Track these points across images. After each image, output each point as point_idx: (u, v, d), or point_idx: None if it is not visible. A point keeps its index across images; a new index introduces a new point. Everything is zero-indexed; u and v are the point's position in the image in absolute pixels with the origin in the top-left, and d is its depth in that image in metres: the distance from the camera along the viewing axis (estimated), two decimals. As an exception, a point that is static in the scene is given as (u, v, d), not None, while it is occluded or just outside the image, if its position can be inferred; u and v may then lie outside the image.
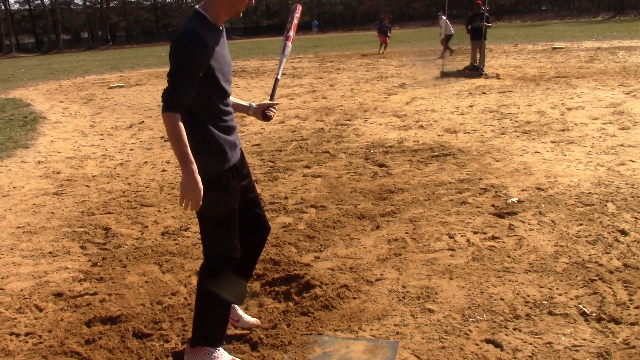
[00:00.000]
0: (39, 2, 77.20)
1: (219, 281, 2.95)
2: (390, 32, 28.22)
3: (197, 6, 2.78)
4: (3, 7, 72.55)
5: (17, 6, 77.85)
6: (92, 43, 74.65)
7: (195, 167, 2.63)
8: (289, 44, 3.34)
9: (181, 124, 2.61)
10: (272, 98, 3.22)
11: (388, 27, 28.07)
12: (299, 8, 3.39)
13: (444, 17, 20.67)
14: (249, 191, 3.15)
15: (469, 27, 16.31)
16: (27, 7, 77.78)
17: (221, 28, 2.83)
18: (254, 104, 3.18)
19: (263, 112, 3.15)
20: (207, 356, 2.95)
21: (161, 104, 2.62)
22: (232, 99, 3.06)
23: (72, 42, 78.16)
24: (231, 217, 2.94)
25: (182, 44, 2.60)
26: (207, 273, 2.98)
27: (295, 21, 3.36)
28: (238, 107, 3.15)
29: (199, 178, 2.63)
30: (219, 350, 2.99)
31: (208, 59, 2.64)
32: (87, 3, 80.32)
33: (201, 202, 2.71)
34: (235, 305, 3.40)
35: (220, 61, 2.75)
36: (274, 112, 3.18)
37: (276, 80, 3.26)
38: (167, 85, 2.65)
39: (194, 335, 3.01)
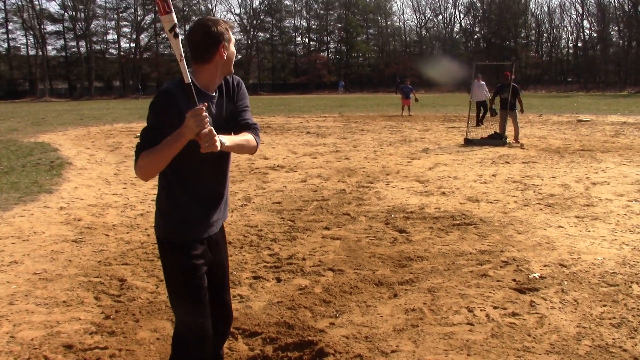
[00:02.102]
0: (75, 50, 79.60)
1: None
2: (414, 93, 28.33)
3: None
4: (40, 52, 74.90)
5: (54, 52, 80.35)
6: (123, 91, 76.49)
7: (179, 130, 2.47)
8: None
9: (149, 152, 2.55)
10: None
11: (410, 88, 28.26)
12: None
13: (479, 81, 20.27)
14: (222, 271, 3.09)
15: (497, 97, 16.44)
16: (63, 54, 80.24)
17: (214, 94, 2.74)
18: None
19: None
20: None
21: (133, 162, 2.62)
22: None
23: (104, 89, 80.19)
24: (195, 288, 2.82)
25: (153, 102, 2.60)
26: (175, 352, 2.92)
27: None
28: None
29: (186, 123, 2.44)
30: None
31: (178, 119, 2.51)
32: (122, 53, 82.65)
33: None
34: None
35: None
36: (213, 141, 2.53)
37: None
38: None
39: None
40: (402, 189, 9.44)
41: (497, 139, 15.64)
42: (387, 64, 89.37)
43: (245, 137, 2.79)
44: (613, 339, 4.00)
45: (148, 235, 6.80)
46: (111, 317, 4.49)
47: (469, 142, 15.64)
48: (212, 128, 2.46)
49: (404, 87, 28.71)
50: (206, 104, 2.52)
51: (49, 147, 15.54)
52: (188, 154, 2.60)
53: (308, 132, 19.68)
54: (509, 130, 15.99)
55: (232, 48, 2.72)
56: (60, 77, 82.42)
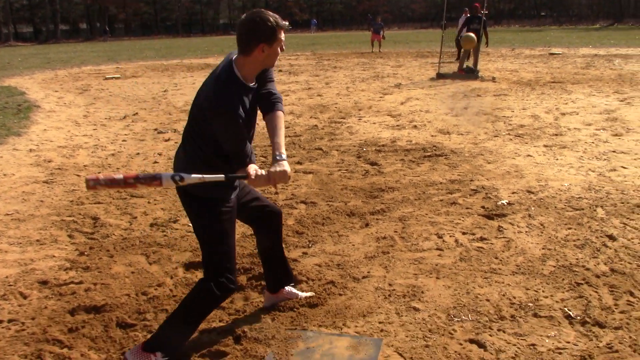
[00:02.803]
0: (38, -9, 76.73)
1: (205, 302, 3.00)
2: (384, 31, 28.17)
3: (233, 59, 2.82)
4: (2, -5, 72.10)
5: (15, -6, 77.30)
6: (90, 34, 74.26)
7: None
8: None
9: None
10: None
11: (380, 25, 28.08)
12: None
13: (467, 15, 19.49)
14: (246, 195, 3.26)
15: (465, 28, 16.29)
16: (25, -5, 77.38)
17: (253, 84, 2.88)
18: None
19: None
20: None
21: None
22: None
23: (70, 32, 77.74)
24: (228, 239, 2.99)
25: (220, 113, 2.69)
26: (199, 290, 3.00)
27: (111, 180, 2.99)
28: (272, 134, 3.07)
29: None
30: None
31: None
32: (87, -6, 79.94)
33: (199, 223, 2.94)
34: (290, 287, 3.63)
35: (248, 116, 2.82)
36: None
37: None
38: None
39: (153, 339, 2.98)
40: (374, 123, 9.46)
41: (469, 73, 15.63)
42: (359, 0, 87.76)
43: (280, 124, 2.98)
44: (577, 259, 4.14)
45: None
46: (85, 253, 4.52)
47: (441, 77, 15.62)
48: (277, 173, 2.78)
49: (374, 24, 28.43)
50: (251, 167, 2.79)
51: (16, 90, 15.17)
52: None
53: (280, 71, 19.45)
54: (481, 65, 15.96)
55: (277, 48, 2.79)
56: (24, 21, 79.62)
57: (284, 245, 4.47)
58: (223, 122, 2.69)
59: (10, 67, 24.37)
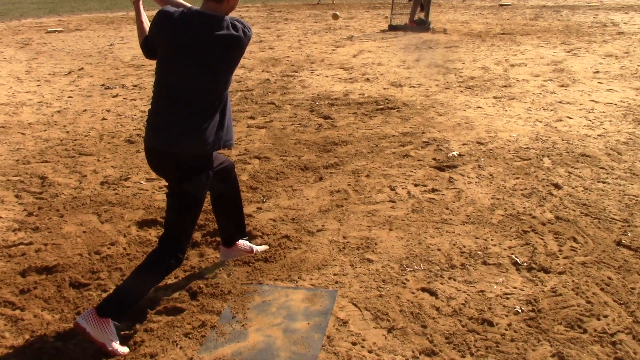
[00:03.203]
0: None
1: (161, 274, 2.97)
2: None
3: (198, 9, 2.81)
4: None
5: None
6: (29, -16, 71.01)
7: None
8: None
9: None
10: None
11: None
12: None
13: None
14: None
15: None
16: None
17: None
18: None
19: None
20: (108, 328, 2.82)
21: None
22: None
23: (7, -18, 74.20)
24: (195, 219, 3.04)
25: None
26: (157, 264, 2.93)
27: None
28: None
29: None
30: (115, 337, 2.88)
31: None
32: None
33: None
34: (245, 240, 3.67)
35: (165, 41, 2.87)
36: None
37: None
38: None
39: (106, 304, 2.84)
40: (326, 76, 9.41)
41: (420, 25, 15.61)
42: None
43: None
44: (524, 207, 4.27)
45: (67, 132, 6.59)
46: (34, 213, 4.42)
47: (393, 29, 15.56)
48: None
49: None
50: None
51: (-49, 45, 14.47)
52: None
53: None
54: (432, 16, 15.94)
55: None
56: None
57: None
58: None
59: (-55, 20, 23.15)
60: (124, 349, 2.80)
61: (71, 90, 8.87)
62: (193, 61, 2.72)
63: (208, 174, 2.93)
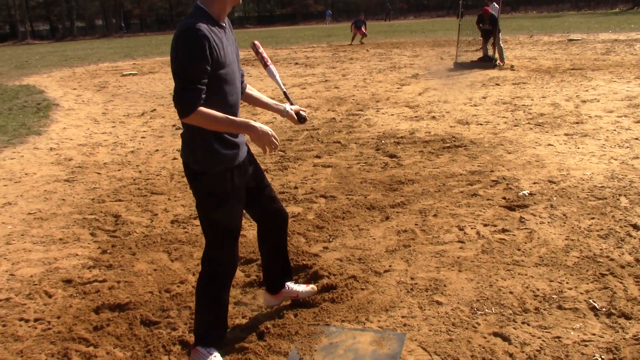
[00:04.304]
0: (53, -11, 77.24)
1: (216, 283, 2.98)
2: (365, 26, 28.72)
3: (198, 1, 2.71)
4: (18, -7, 72.68)
5: (32, -8, 77.90)
6: (106, 30, 74.77)
7: (250, 121, 2.71)
8: (272, 66, 3.25)
9: (209, 111, 2.60)
10: (292, 103, 3.19)
11: (363, 21, 28.38)
12: (258, 44, 3.31)
13: (493, 4, 18.87)
14: (260, 187, 3.17)
15: (479, 25, 16.09)
16: (42, -7, 77.92)
17: (224, 24, 2.75)
18: (288, 107, 3.13)
19: (297, 114, 3.14)
20: (200, 358, 2.93)
21: (178, 109, 2.60)
22: (262, 97, 3.15)
23: (86, 29, 78.33)
24: (228, 220, 2.92)
25: (187, 40, 2.53)
26: (203, 273, 2.99)
27: (264, 54, 3.29)
28: (269, 107, 3.16)
29: (260, 125, 2.71)
30: (212, 353, 2.96)
31: (213, 55, 2.58)
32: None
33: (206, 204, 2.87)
34: (289, 283, 3.56)
35: (226, 59, 2.68)
36: (306, 112, 3.18)
37: (284, 92, 3.23)
38: (175, 86, 2.60)
39: (194, 334, 3.03)
40: (392, 115, 9.41)
41: (487, 62, 15.48)
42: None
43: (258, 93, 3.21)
44: (600, 249, 4.09)
45: (140, 171, 6.81)
46: (108, 251, 4.56)
47: (459, 66, 15.49)
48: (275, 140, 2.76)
49: (356, 21, 28.57)
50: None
51: (35, 89, 15.32)
52: (223, 94, 2.73)
53: (296, 63, 19.43)
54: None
55: None
56: (41, 18, 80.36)
57: (304, 240, 4.50)
58: (187, 43, 2.54)
59: (29, 66, 24.61)
60: None
61: (144, 131, 9.20)
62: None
63: (212, 192, 2.86)
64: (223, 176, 2.82)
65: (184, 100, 2.56)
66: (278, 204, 3.29)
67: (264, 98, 3.16)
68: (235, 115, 2.82)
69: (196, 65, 2.53)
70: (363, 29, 28.30)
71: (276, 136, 2.74)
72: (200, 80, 2.56)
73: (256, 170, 3.14)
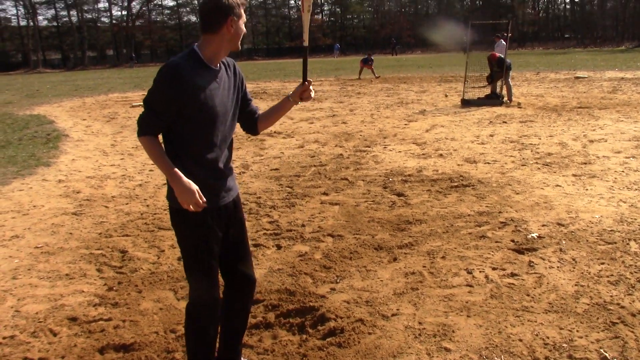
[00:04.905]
0: (66, 19, 78.45)
1: (196, 324, 2.97)
2: (373, 66, 28.80)
3: (195, 43, 2.76)
4: (32, 23, 73.82)
5: (45, 22, 79.16)
6: (117, 60, 75.70)
7: (178, 174, 2.66)
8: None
9: (156, 144, 2.68)
10: (305, 77, 3.02)
11: (371, 59, 28.55)
12: None
13: (499, 41, 18.35)
14: (235, 243, 3.06)
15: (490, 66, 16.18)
16: (55, 23, 79.08)
17: (218, 67, 2.78)
18: (289, 95, 3.05)
19: (300, 97, 3.03)
20: None
21: (137, 128, 2.71)
22: (271, 109, 3.10)
23: (97, 59, 79.31)
24: (203, 258, 2.87)
25: (159, 74, 2.63)
26: (187, 315, 3.00)
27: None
28: (279, 109, 3.09)
29: (186, 181, 2.66)
30: None
31: (185, 96, 2.61)
32: (114, 21, 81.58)
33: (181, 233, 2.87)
34: None
35: (208, 101, 2.69)
36: (311, 92, 3.02)
37: (305, 50, 3.04)
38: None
39: None
40: (399, 152, 9.43)
41: (494, 99, 15.56)
42: (382, 25, 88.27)
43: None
44: (611, 296, 4.05)
45: (147, 205, 6.82)
46: (114, 288, 4.54)
47: (466, 103, 15.57)
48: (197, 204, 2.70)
49: (364, 59, 28.76)
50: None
51: (45, 119, 15.47)
52: (205, 137, 2.74)
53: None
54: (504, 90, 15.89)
55: (242, 25, 2.75)
56: (53, 48, 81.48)
57: (311, 280, 4.48)
58: (159, 76, 2.62)
59: (39, 95, 24.89)
60: None
61: (152, 164, 9.23)
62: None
63: (189, 231, 2.86)
64: (198, 216, 2.79)
65: (139, 123, 2.70)
66: (249, 268, 3.16)
67: (273, 108, 3.12)
68: (220, 154, 2.83)
69: (158, 96, 2.64)
70: (371, 65, 28.47)
71: (203, 197, 2.69)
72: (157, 110, 2.64)
73: (239, 223, 3.07)
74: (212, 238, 2.87)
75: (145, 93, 2.71)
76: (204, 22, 2.71)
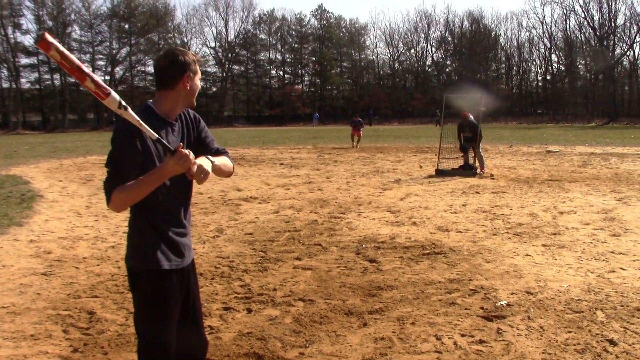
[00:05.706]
0: (49, 82, 78.92)
1: None
2: (363, 126, 29.66)
3: (149, 101, 2.80)
4: (14, 85, 74.10)
5: (28, 85, 79.47)
6: (97, 124, 75.85)
7: (156, 167, 2.61)
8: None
9: (127, 184, 2.58)
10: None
11: (360, 121, 29.25)
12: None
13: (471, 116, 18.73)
14: (190, 305, 3.03)
15: (460, 135, 16.50)
16: (37, 86, 79.40)
17: (175, 122, 2.80)
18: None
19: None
20: None
21: (105, 196, 2.63)
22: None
23: (77, 122, 79.34)
24: (161, 332, 2.84)
25: (117, 132, 2.65)
26: None
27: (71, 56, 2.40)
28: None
29: (166, 158, 2.56)
30: None
31: (145, 146, 2.63)
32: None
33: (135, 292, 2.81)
34: None
35: (160, 155, 2.68)
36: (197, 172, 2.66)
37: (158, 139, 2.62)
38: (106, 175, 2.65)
39: None
40: (373, 219, 9.53)
41: (467, 170, 15.89)
42: (360, 96, 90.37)
43: (224, 158, 2.95)
44: (577, 364, 4.09)
45: (119, 267, 6.76)
46: (79, 350, 4.46)
47: (440, 173, 15.86)
48: (197, 163, 2.58)
49: (353, 120, 29.45)
50: (181, 143, 2.61)
51: (21, 179, 15.39)
52: (159, 191, 2.70)
53: (282, 164, 19.77)
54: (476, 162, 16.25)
55: (197, 81, 2.80)
56: (34, 110, 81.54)
57: (280, 344, 4.45)
58: (114, 133, 2.64)
59: (17, 156, 24.79)
60: None
61: (126, 226, 9.15)
62: None
63: (147, 293, 2.82)
64: (161, 277, 2.78)
65: (106, 189, 2.63)
66: (201, 332, 3.16)
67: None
68: (177, 224, 2.84)
69: (121, 152, 2.63)
70: (360, 130, 28.99)
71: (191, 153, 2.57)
72: (124, 167, 2.60)
73: (194, 285, 3.06)
74: (173, 297, 2.84)
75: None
76: (160, 79, 2.73)
